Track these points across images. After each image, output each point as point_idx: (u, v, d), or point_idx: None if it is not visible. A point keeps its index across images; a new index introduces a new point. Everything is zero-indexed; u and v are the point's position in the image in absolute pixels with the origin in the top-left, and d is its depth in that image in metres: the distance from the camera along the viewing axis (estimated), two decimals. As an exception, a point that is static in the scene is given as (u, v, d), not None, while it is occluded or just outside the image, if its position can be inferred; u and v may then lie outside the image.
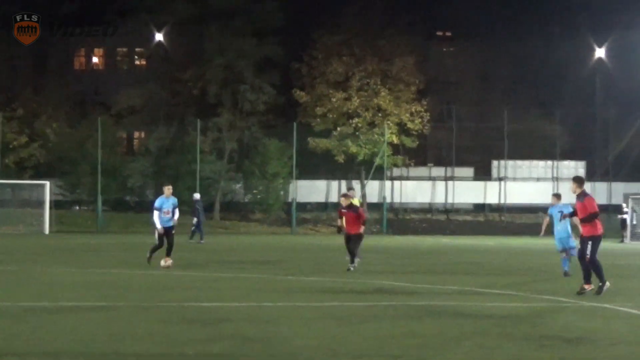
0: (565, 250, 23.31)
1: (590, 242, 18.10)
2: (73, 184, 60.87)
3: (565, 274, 23.09)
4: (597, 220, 18.25)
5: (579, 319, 14.82)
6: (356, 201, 30.90)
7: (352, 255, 24.25)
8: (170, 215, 24.26)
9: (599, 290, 18.04)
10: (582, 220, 18.46)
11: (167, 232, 24.20)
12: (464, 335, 12.73)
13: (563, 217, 21.20)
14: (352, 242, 24.20)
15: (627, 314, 15.42)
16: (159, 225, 24.07)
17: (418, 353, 11.33)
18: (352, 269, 23.96)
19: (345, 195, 25.48)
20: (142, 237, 40.67)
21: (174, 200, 24.57)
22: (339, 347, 11.62)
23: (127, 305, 15.83)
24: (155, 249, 24.44)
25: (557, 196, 24.35)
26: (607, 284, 18.15)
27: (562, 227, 23.12)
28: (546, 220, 24.28)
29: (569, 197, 20.75)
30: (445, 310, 15.71)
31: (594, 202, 18.34)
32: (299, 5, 61.73)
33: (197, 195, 42.88)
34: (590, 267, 18.14)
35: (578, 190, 18.40)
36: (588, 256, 18.04)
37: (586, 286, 18.30)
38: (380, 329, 13.27)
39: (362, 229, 24.57)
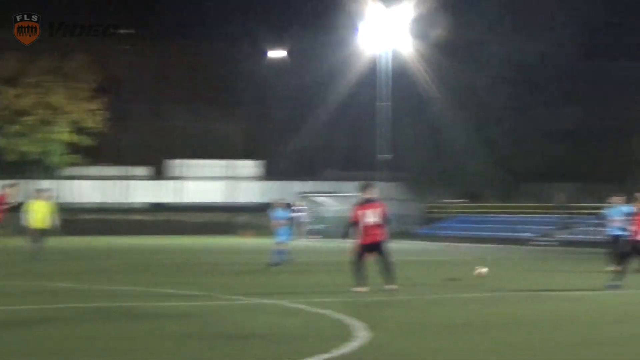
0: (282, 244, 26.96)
1: None
2: None
3: (275, 263, 26.23)
4: (360, 229, 18.33)
5: (250, 316, 15.10)
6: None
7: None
8: None
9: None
10: None
11: None
12: (138, 336, 12.66)
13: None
14: None
15: (298, 310, 15.85)
16: None
17: (88, 356, 11.15)
18: None
19: (12, 186, 24.85)
20: None
21: None
22: (7, 352, 11.24)
23: None
24: None
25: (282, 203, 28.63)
26: (357, 290, 18.02)
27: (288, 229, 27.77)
28: (280, 222, 27.15)
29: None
30: (119, 312, 15.56)
31: (355, 212, 18.49)
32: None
33: None
34: None
35: (366, 196, 18.66)
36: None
37: (388, 286, 18.33)
38: (52, 331, 12.94)
39: None
